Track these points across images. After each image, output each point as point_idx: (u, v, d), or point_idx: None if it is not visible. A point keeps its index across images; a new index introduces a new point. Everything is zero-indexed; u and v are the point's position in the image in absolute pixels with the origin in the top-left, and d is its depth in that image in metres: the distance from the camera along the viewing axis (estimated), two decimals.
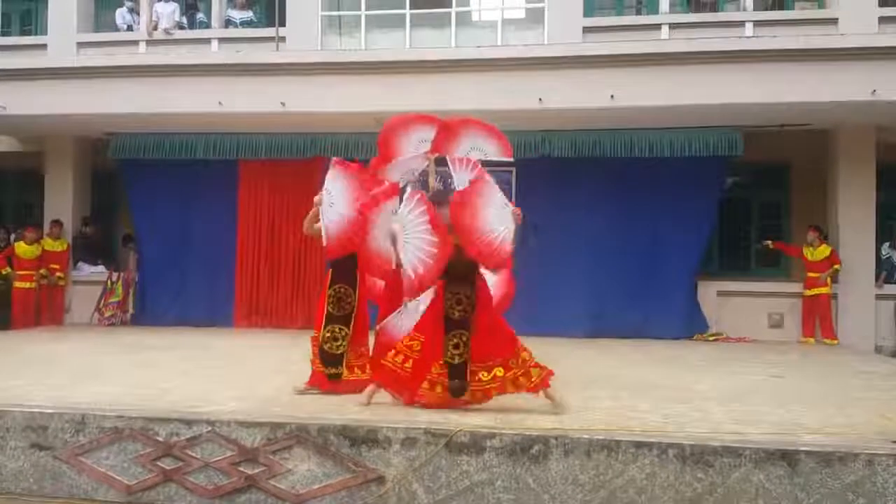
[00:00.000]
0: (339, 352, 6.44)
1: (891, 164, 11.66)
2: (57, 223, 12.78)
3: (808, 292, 11.38)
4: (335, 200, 6.35)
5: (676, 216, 11.39)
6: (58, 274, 12.70)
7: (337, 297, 6.47)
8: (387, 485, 5.10)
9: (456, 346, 5.75)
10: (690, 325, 11.63)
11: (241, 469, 5.23)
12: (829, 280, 11.24)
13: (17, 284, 12.33)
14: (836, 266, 11.21)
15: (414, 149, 6.60)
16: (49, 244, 12.62)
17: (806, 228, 11.55)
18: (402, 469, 5.10)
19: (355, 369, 6.50)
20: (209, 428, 5.33)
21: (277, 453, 5.22)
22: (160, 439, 5.36)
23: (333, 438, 5.20)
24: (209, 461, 5.27)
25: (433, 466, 5.08)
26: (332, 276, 6.54)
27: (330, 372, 6.43)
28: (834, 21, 11.09)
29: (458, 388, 5.73)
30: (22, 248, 12.36)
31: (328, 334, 6.42)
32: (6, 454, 5.53)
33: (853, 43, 9.94)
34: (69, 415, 5.52)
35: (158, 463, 5.32)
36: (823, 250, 11.27)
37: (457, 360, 5.74)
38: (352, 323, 6.48)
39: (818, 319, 11.35)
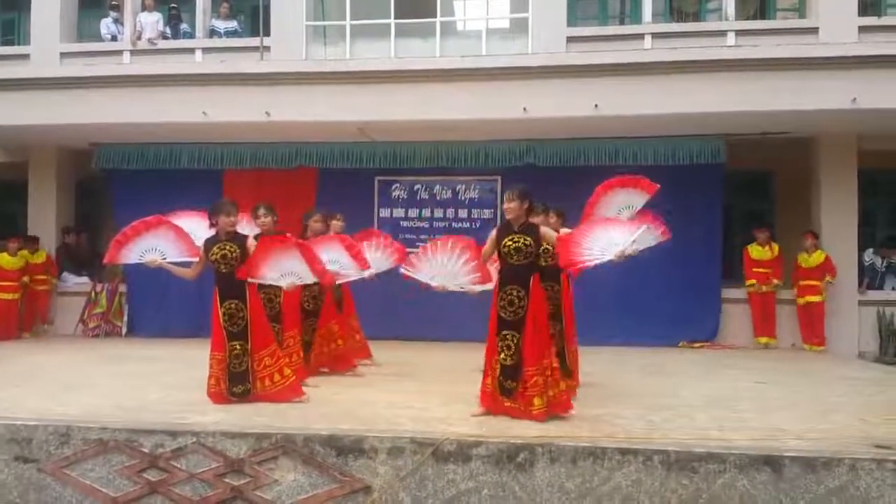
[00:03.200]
0: (242, 369, 6.54)
1: (872, 172, 11.78)
2: (30, 238, 12.70)
3: (801, 300, 11.40)
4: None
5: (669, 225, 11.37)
6: (43, 286, 12.68)
7: (229, 313, 6.55)
8: (373, 494, 5.10)
9: (508, 348, 5.89)
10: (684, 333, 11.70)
11: (227, 480, 5.22)
12: (823, 290, 11.27)
13: (0, 296, 12.24)
14: (829, 279, 11.23)
15: None
16: (27, 256, 12.54)
17: (801, 234, 11.53)
18: (388, 478, 5.10)
19: (265, 380, 6.60)
20: (194, 439, 5.31)
21: (263, 464, 5.21)
22: (145, 451, 5.34)
23: (319, 448, 5.19)
24: (194, 473, 5.25)
25: (420, 475, 5.08)
26: (220, 293, 6.60)
27: (237, 390, 6.52)
28: (814, 31, 11.18)
29: (508, 390, 5.89)
30: (4, 259, 12.26)
31: (231, 352, 6.52)
32: None
33: (833, 52, 10.04)
34: (53, 427, 5.50)
35: (144, 475, 5.30)
36: (818, 256, 11.29)
37: (508, 362, 5.87)
38: (249, 337, 6.58)
39: (811, 326, 11.37)
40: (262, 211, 7.57)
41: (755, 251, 11.65)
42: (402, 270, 6.68)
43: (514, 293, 5.92)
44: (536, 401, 5.78)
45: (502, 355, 5.92)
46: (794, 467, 4.81)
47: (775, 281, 11.46)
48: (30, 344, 11.68)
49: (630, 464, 4.92)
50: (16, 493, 5.46)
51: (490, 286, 6.27)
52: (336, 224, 8.61)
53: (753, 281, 11.53)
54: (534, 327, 5.88)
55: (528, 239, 5.94)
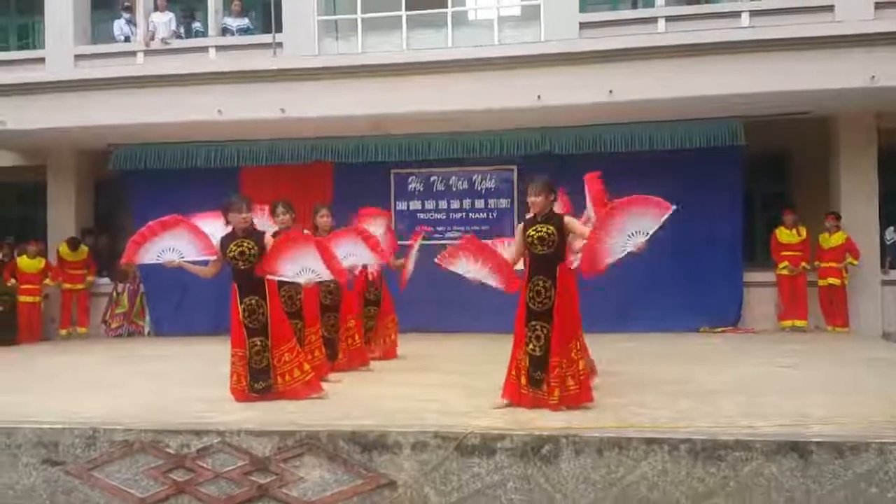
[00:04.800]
0: (263, 365, 6.53)
1: (892, 149, 11.63)
2: (72, 240, 12.79)
3: (823, 281, 11.30)
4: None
5: (689, 209, 11.27)
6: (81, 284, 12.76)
7: (249, 310, 6.54)
8: (398, 490, 5.10)
9: (537, 339, 5.89)
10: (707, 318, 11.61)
11: (253, 478, 5.23)
12: (844, 271, 11.18)
13: (22, 298, 12.34)
14: (851, 260, 11.13)
15: None
16: (69, 255, 12.63)
17: (823, 215, 11.40)
18: (413, 473, 5.10)
19: (286, 375, 6.58)
20: (219, 438, 5.33)
21: (289, 461, 5.22)
22: (171, 451, 5.36)
23: (344, 445, 5.20)
24: (221, 472, 5.27)
25: (444, 470, 5.08)
26: (238, 290, 6.58)
27: (259, 386, 6.52)
28: (830, 8, 11.03)
29: (537, 381, 5.89)
30: (25, 262, 12.38)
31: (252, 349, 6.51)
32: (18, 471, 5.54)
33: (850, 30, 9.93)
34: (80, 430, 5.53)
35: (170, 475, 5.33)
36: (839, 237, 11.18)
37: (537, 353, 5.88)
38: (269, 333, 6.57)
39: (833, 307, 11.27)
40: (280, 209, 7.57)
41: (783, 234, 11.53)
42: (437, 260, 6.64)
43: (541, 283, 5.91)
44: (556, 392, 5.80)
45: (531, 346, 5.91)
46: (822, 453, 4.76)
47: (803, 264, 11.34)
48: (53, 346, 11.79)
49: (656, 453, 4.89)
50: (45, 496, 5.51)
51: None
52: (384, 221, 8.81)
53: (786, 263, 11.41)
54: (561, 317, 5.86)
55: (551, 227, 5.92)
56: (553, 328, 5.86)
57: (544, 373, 5.86)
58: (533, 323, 5.93)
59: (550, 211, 6.05)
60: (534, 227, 5.98)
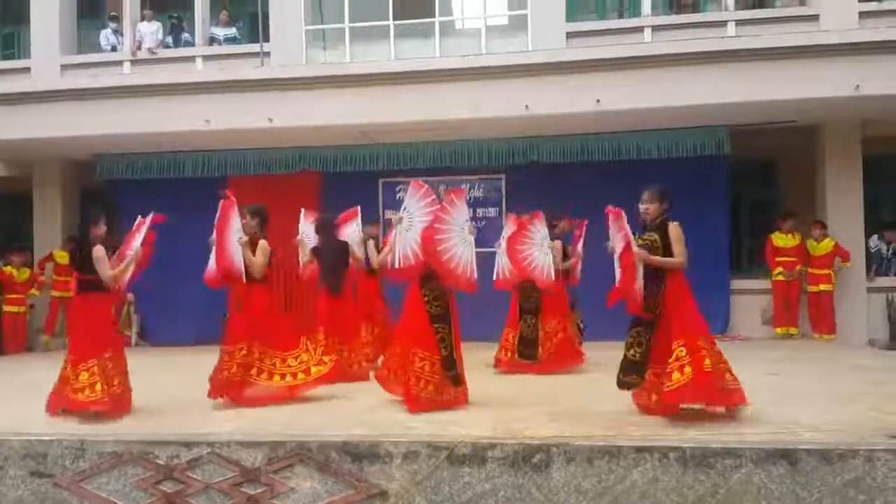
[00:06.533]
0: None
1: (877, 157, 11.73)
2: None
3: (812, 289, 11.37)
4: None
5: (676, 217, 11.33)
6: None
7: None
8: (390, 499, 5.09)
9: (639, 344, 5.93)
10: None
11: (244, 490, 5.20)
12: (832, 277, 11.26)
13: (6, 309, 12.24)
14: (843, 264, 11.24)
15: None
16: (62, 257, 12.52)
17: (811, 223, 11.50)
18: (404, 483, 5.09)
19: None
20: (209, 449, 5.31)
21: (279, 472, 5.20)
22: (160, 462, 5.33)
23: (335, 455, 5.18)
24: (210, 483, 5.24)
25: (435, 479, 5.07)
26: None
27: None
28: (815, 18, 11.13)
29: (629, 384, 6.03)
30: (9, 272, 12.27)
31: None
32: (5, 483, 5.48)
33: (835, 39, 10.02)
34: (68, 441, 5.49)
35: (160, 486, 5.29)
36: (826, 245, 11.28)
37: (637, 358, 5.93)
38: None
39: (820, 314, 11.34)
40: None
41: (779, 239, 11.56)
42: None
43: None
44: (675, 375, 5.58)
45: (631, 351, 5.93)
46: (811, 460, 4.78)
47: (798, 268, 11.40)
48: (38, 356, 11.68)
49: (646, 461, 4.90)
50: None
51: None
52: (565, 225, 8.79)
53: (780, 269, 11.44)
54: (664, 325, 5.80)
55: (656, 236, 5.90)
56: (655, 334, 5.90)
57: (641, 377, 5.91)
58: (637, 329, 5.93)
59: (659, 219, 5.99)
60: (640, 237, 5.93)
